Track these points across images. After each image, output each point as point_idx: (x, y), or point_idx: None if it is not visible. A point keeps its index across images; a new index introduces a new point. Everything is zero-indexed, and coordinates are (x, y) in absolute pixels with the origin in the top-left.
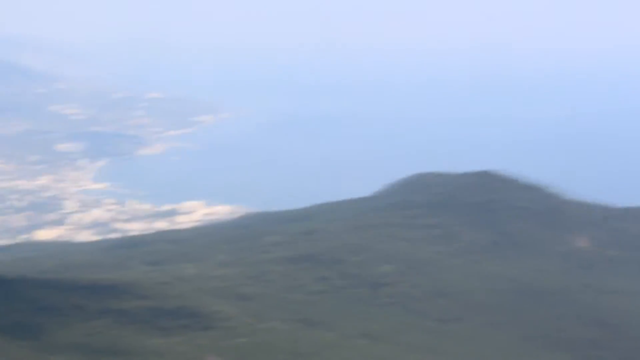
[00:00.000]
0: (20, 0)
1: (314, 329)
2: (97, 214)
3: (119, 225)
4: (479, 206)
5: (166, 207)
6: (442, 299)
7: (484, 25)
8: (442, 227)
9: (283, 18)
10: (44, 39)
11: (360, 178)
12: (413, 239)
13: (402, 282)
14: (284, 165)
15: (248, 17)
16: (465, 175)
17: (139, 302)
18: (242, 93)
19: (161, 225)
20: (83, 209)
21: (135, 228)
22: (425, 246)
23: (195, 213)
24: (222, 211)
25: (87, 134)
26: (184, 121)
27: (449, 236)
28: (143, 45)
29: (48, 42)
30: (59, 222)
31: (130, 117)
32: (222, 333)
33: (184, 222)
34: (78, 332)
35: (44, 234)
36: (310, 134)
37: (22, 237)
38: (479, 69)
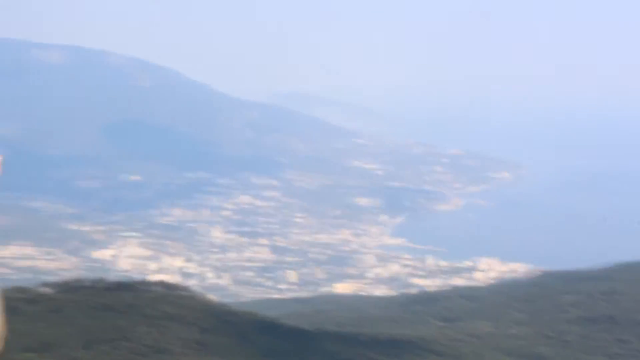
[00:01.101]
0: (318, 59)
1: None
2: (394, 269)
3: (415, 281)
4: None
5: (462, 264)
6: None
7: None
8: None
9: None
10: (345, 96)
11: None
12: None
13: None
14: (580, 223)
15: (545, 73)
16: None
17: (434, 358)
18: (541, 149)
19: (457, 281)
20: (381, 263)
21: (431, 284)
22: None
23: (491, 270)
24: (518, 269)
25: (385, 190)
26: (481, 178)
27: None
28: (440, 101)
29: (348, 98)
30: (357, 276)
31: (428, 173)
32: None
33: (479, 279)
34: None
35: (343, 287)
36: (610, 193)
37: (322, 290)
38: None
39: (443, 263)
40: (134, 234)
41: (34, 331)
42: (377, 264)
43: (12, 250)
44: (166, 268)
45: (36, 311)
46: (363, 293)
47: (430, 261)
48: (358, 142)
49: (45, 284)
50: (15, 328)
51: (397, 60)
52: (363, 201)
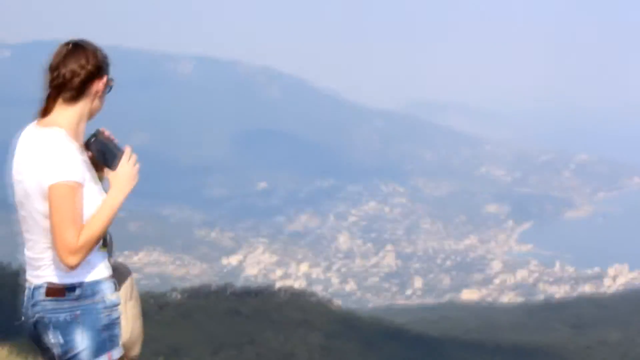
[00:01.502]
0: (444, 65)
1: None
2: (521, 275)
3: (543, 288)
4: None
5: (590, 271)
6: None
7: None
8: None
9: None
10: (473, 102)
11: None
12: None
13: None
14: None
15: None
16: None
17: None
18: None
19: (585, 288)
20: (507, 270)
21: (559, 291)
22: None
23: (620, 277)
24: None
25: (512, 196)
26: (611, 184)
27: None
28: (568, 106)
29: (476, 104)
30: (483, 283)
31: (556, 180)
32: None
33: (608, 286)
34: None
35: (469, 294)
36: None
37: (448, 296)
38: None
39: (571, 269)
40: (261, 240)
41: (163, 336)
42: (504, 270)
43: (142, 256)
44: (292, 274)
45: (165, 316)
46: (489, 299)
47: (558, 268)
48: (486, 149)
49: (175, 290)
50: (146, 333)
51: (525, 65)
52: (490, 207)
